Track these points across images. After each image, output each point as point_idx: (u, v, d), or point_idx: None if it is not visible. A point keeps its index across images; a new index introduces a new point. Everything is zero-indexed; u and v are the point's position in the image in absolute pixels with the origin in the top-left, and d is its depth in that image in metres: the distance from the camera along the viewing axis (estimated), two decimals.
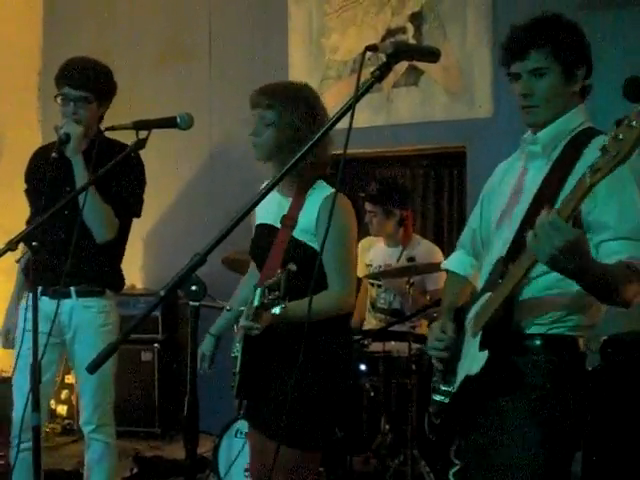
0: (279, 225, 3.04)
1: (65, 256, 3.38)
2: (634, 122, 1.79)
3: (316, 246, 2.94)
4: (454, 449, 2.63)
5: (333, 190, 2.97)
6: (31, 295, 3.45)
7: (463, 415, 2.47)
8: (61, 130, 3.51)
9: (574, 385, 2.37)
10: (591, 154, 2.26)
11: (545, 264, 2.03)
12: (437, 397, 2.53)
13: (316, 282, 2.86)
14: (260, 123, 3.06)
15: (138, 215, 3.78)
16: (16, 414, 3.61)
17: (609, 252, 2.23)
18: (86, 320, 3.67)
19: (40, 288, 3.54)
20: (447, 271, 2.86)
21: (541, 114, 2.44)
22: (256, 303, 2.67)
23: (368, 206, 5.12)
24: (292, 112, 3.00)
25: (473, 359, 2.35)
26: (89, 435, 3.73)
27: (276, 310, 2.66)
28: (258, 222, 3.18)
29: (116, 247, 3.76)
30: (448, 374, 2.51)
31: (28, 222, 3.78)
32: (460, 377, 2.43)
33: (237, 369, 3.01)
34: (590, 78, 2.50)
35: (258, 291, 2.65)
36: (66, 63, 3.68)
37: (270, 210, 3.08)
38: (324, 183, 3.03)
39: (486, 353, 2.29)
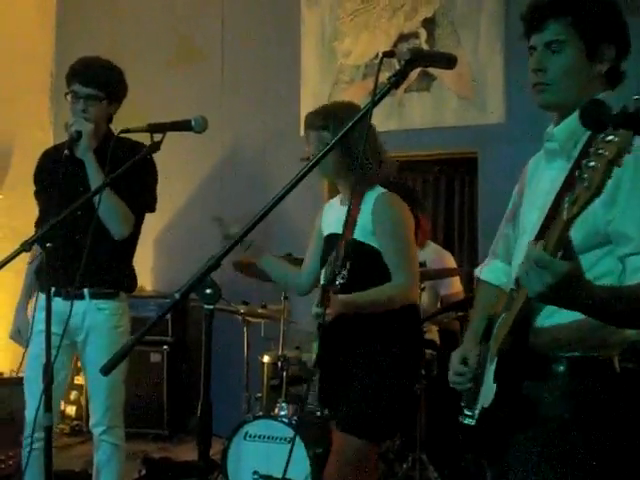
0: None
1: (79, 257, 3.39)
2: (601, 150, 1.62)
3: (375, 244, 3.16)
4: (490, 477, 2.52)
5: (384, 190, 3.21)
6: (44, 296, 3.48)
7: (486, 442, 2.26)
8: (72, 128, 3.51)
9: (599, 413, 2.07)
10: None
11: (534, 300, 1.88)
12: (464, 420, 2.30)
13: (381, 278, 3.12)
14: (318, 143, 3.22)
15: (153, 210, 3.79)
16: (28, 415, 3.62)
17: (633, 268, 2.00)
18: (99, 322, 3.67)
19: (53, 289, 3.55)
20: (479, 280, 2.60)
21: (553, 93, 2.19)
22: (322, 282, 2.89)
23: None
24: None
25: (489, 389, 2.17)
26: (99, 437, 3.72)
27: (340, 280, 2.84)
28: (326, 233, 3.39)
29: (129, 246, 3.77)
30: (472, 397, 2.29)
31: (37, 224, 3.79)
32: (479, 406, 2.23)
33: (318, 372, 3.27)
34: (624, 62, 2.24)
35: (322, 272, 2.90)
36: (78, 61, 3.68)
37: (337, 220, 3.29)
38: (379, 187, 3.25)
39: (495, 387, 2.11)
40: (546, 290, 1.75)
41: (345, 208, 3.27)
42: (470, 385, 2.30)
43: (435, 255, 5.31)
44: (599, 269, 2.05)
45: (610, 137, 1.61)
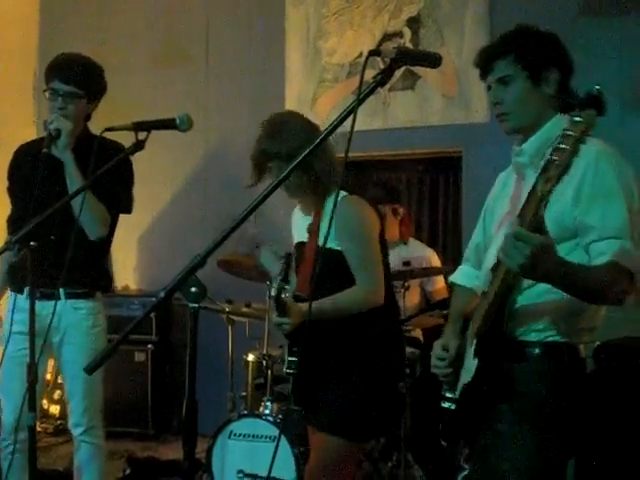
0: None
1: (53, 257, 3.34)
2: (570, 132, 1.90)
3: (338, 247, 3.12)
4: (465, 454, 2.66)
5: (345, 194, 3.12)
6: (17, 296, 3.48)
7: (466, 421, 2.50)
8: (51, 125, 3.46)
9: (570, 391, 2.37)
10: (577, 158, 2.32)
11: (518, 273, 2.09)
12: (445, 404, 2.56)
13: (346, 279, 3.10)
14: (277, 173, 3.16)
15: (129, 211, 3.75)
16: (5, 417, 3.57)
17: (596, 253, 2.27)
18: (76, 322, 3.63)
19: (27, 289, 3.47)
20: (453, 284, 2.89)
21: (514, 120, 2.51)
22: (273, 294, 2.91)
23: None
24: (297, 148, 3.05)
25: (469, 367, 2.41)
26: (78, 438, 3.69)
27: (285, 294, 2.88)
28: (295, 241, 3.40)
29: (103, 245, 3.72)
30: (452, 381, 2.54)
31: (9, 220, 3.73)
32: (460, 385, 2.48)
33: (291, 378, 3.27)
34: (569, 81, 2.54)
35: (274, 284, 2.89)
36: (57, 57, 3.62)
37: (301, 229, 3.32)
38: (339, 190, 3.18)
39: (476, 361, 2.36)
40: (526, 261, 1.99)
41: (308, 218, 3.29)
42: (450, 370, 2.54)
43: (419, 252, 5.33)
44: (571, 259, 2.25)
45: (577, 118, 1.91)
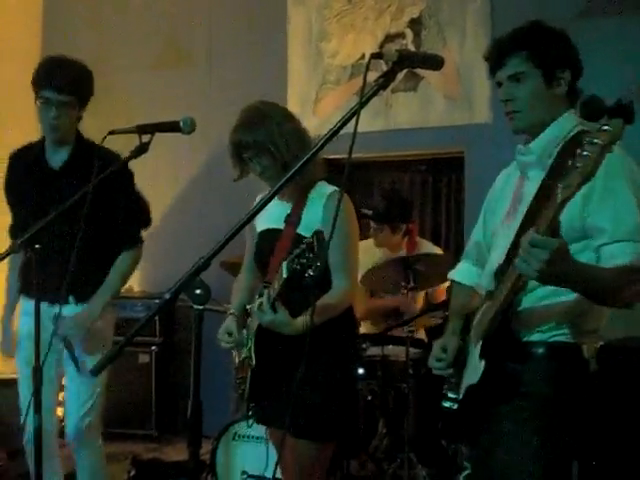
0: (282, 226, 3.11)
1: (61, 264, 3.32)
2: (596, 139, 1.84)
3: None
4: (465, 454, 2.66)
5: (336, 188, 3.06)
6: (27, 301, 3.48)
7: (469, 422, 2.49)
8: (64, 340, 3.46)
9: (574, 392, 2.36)
10: None
11: (536, 280, 2.09)
12: (446, 403, 2.55)
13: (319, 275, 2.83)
14: (256, 163, 3.10)
15: (149, 224, 3.83)
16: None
17: (608, 256, 2.24)
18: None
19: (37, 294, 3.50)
20: (453, 281, 2.85)
21: (524, 119, 2.46)
22: (285, 275, 2.55)
23: (374, 224, 5.06)
24: (277, 136, 3.04)
25: (474, 368, 2.40)
26: (77, 443, 3.70)
27: (310, 272, 2.45)
28: (260, 229, 3.24)
29: (114, 255, 3.69)
30: (455, 381, 2.54)
31: (11, 230, 3.71)
32: (464, 385, 2.47)
33: (249, 371, 3.06)
34: (578, 81, 2.50)
35: (284, 264, 2.54)
36: (47, 64, 3.52)
37: (272, 216, 3.14)
38: (325, 183, 3.12)
39: (483, 363, 2.34)
40: (544, 266, 1.97)
41: (285, 204, 3.14)
42: (450, 370, 2.55)
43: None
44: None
45: (605, 127, 1.85)
